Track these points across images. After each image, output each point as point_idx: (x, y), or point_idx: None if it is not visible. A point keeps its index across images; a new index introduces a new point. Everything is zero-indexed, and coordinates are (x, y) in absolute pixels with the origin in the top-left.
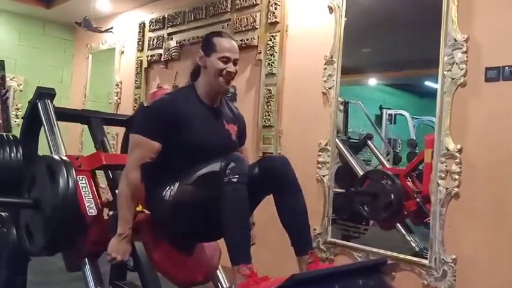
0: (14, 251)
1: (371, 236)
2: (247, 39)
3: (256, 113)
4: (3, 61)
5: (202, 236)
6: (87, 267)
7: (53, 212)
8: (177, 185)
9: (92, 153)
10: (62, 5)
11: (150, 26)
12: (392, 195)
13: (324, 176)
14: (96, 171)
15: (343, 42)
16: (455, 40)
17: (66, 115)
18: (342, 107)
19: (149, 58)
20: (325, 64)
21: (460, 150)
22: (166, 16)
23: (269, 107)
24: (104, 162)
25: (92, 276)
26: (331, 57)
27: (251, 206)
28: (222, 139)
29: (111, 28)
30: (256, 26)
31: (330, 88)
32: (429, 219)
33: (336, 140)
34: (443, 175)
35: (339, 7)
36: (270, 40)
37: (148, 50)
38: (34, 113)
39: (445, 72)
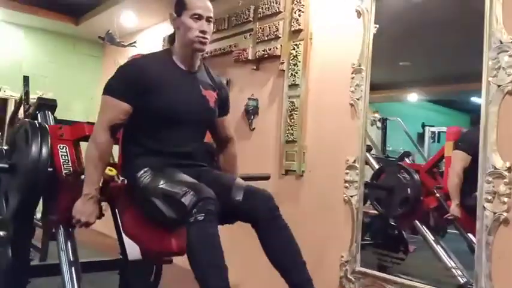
0: (11, 271)
1: (409, 265)
2: (269, 49)
3: (279, 128)
4: (27, 77)
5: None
6: (61, 235)
7: (25, 174)
8: (148, 174)
9: (76, 123)
10: (88, 21)
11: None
12: (409, 189)
13: (351, 196)
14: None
15: (372, 49)
16: (500, 42)
17: None
18: (379, 124)
19: None
20: (352, 73)
21: (509, 169)
22: None
23: (292, 121)
24: (87, 133)
25: (65, 246)
26: (359, 66)
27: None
28: (196, 105)
29: (134, 42)
30: (279, 35)
31: (358, 99)
32: (449, 215)
33: (369, 157)
34: (489, 197)
35: (367, 11)
36: (293, 49)
37: None
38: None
39: (490, 79)
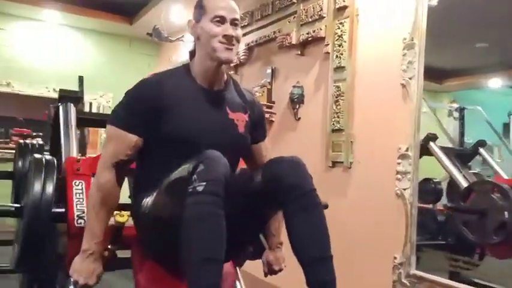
0: None
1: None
2: (313, 31)
3: (325, 116)
4: (82, 77)
5: None
6: None
7: (26, 219)
8: (155, 193)
9: (96, 155)
10: (141, 19)
11: None
12: (506, 213)
13: (404, 189)
14: None
15: (427, 19)
16: None
17: (92, 120)
18: (457, 114)
19: None
20: (403, 49)
21: None
22: None
23: (338, 107)
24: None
25: None
26: (412, 40)
27: (257, 224)
28: (221, 131)
29: (182, 37)
30: (324, 15)
31: (410, 78)
32: None
33: (434, 147)
34: None
35: None
36: (338, 28)
37: None
38: (56, 116)
39: None
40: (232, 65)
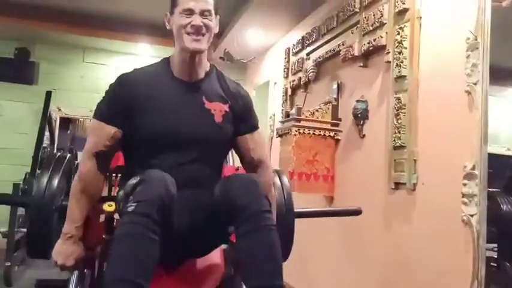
0: None
1: None
2: (374, 40)
3: (388, 131)
4: None
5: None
6: (73, 279)
7: (30, 210)
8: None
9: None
10: (221, 44)
11: (292, 50)
12: None
13: (471, 215)
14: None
15: (491, 14)
16: None
17: None
18: None
19: (291, 84)
20: (467, 50)
21: None
22: (304, 35)
23: (399, 121)
24: (121, 163)
25: None
26: (475, 39)
27: (221, 233)
28: (195, 122)
29: (253, 58)
30: (384, 21)
31: (475, 84)
32: None
33: None
34: None
35: None
36: (398, 34)
37: (291, 75)
38: None
39: None
40: (302, 82)
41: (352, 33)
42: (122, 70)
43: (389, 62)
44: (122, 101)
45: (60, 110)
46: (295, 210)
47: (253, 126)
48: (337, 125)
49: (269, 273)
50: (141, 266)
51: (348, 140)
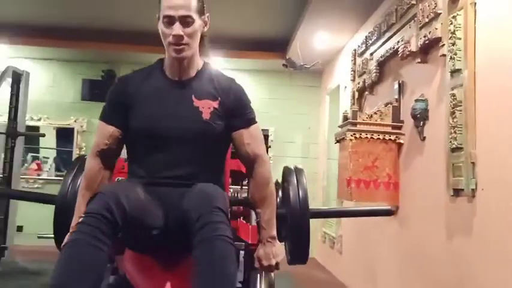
0: None
1: None
2: (429, 33)
3: (445, 132)
4: None
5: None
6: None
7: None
8: None
9: None
10: (291, 51)
11: (358, 51)
12: None
13: None
14: None
15: None
16: None
17: None
18: None
19: (357, 86)
20: None
21: None
22: (367, 35)
23: (455, 120)
24: None
25: None
26: None
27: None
28: (183, 119)
29: (317, 62)
30: (439, 11)
31: None
32: None
33: None
34: None
35: None
36: (451, 23)
37: (357, 77)
38: None
39: None
40: (366, 84)
41: (410, 27)
42: None
43: (445, 55)
44: (117, 101)
45: None
46: (312, 209)
47: (248, 121)
48: (399, 127)
49: (213, 284)
50: (70, 272)
51: (410, 143)
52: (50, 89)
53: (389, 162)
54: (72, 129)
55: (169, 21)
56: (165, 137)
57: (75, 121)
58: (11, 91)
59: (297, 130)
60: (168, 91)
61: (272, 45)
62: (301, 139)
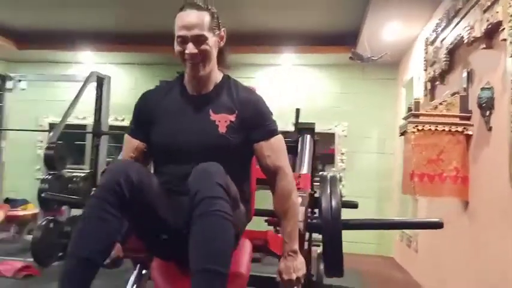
0: None
1: None
2: (491, 16)
3: (507, 121)
4: (299, 109)
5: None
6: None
7: None
8: None
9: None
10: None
11: (429, 40)
12: None
13: None
14: None
15: None
16: None
17: None
18: None
19: (429, 77)
20: None
21: None
22: (437, 22)
23: None
24: None
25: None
26: None
27: None
28: (200, 133)
29: (385, 54)
30: None
31: None
32: None
33: None
34: None
35: None
36: (510, 6)
37: (429, 67)
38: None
39: None
40: (437, 74)
41: (474, 11)
42: (268, 82)
43: (505, 40)
44: (140, 116)
45: None
46: (345, 220)
47: (268, 132)
48: (467, 118)
49: (202, 256)
50: (88, 242)
51: (478, 134)
52: (132, 92)
53: (457, 155)
54: None
55: (183, 40)
56: (182, 151)
57: None
58: (96, 94)
59: (372, 125)
60: (186, 106)
61: (342, 39)
62: (376, 134)
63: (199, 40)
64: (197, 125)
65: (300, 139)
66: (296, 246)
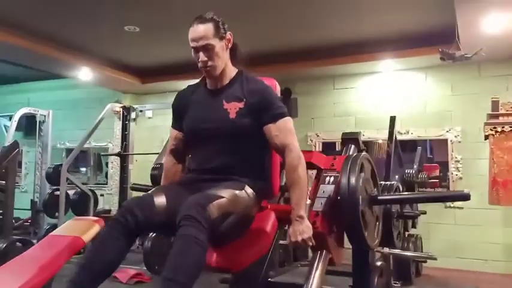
0: None
1: None
2: None
3: None
4: (394, 117)
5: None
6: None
7: None
8: None
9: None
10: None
11: None
12: None
13: None
14: None
15: None
16: None
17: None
18: None
19: None
20: None
21: None
22: None
23: None
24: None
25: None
26: None
27: None
28: (215, 120)
29: (480, 50)
30: None
31: None
32: None
33: None
34: None
35: None
36: None
37: None
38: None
39: None
40: None
41: None
42: (369, 90)
43: None
44: (175, 110)
45: (318, 136)
46: (373, 195)
47: (275, 116)
48: None
49: (170, 268)
50: (94, 255)
51: None
52: None
53: None
54: None
55: (195, 50)
56: (203, 136)
57: None
58: None
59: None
60: (206, 99)
61: (446, 37)
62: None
63: (207, 48)
64: (213, 113)
65: (343, 149)
66: (302, 212)
